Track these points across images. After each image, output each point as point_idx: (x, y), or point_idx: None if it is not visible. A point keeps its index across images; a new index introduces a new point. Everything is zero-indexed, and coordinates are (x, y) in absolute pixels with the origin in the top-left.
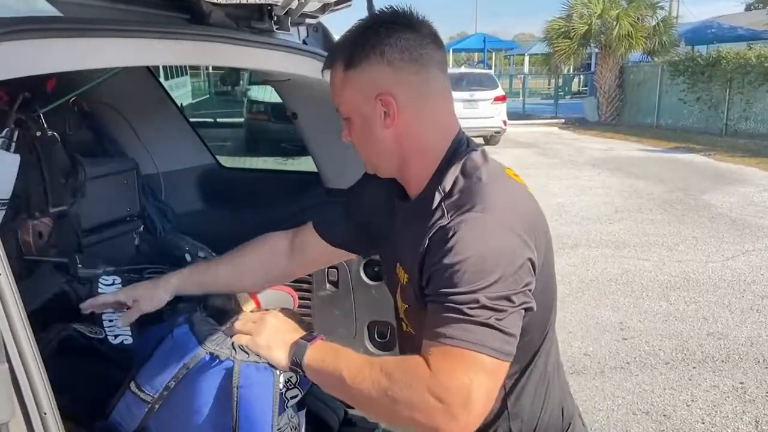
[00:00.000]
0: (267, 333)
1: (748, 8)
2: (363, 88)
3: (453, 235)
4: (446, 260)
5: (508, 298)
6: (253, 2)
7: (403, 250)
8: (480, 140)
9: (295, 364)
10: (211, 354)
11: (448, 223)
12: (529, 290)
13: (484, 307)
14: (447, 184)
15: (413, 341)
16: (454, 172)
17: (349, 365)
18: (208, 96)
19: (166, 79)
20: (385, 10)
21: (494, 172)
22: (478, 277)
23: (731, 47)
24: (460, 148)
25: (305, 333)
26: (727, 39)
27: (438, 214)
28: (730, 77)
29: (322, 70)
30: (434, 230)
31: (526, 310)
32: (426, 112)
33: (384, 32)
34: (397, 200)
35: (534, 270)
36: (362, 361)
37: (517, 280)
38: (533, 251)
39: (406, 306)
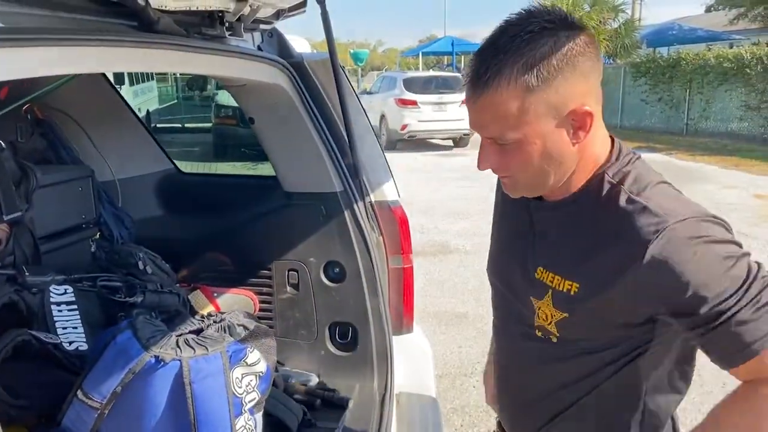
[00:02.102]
0: None
1: (708, 10)
2: (554, 105)
3: (681, 251)
4: (694, 279)
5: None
6: (203, 9)
7: (557, 254)
8: (449, 142)
9: None
10: (156, 357)
11: (663, 241)
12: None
13: (759, 294)
14: (632, 189)
15: (551, 349)
16: (633, 174)
17: None
18: (175, 101)
19: (132, 84)
20: (538, 8)
21: (664, 179)
22: (737, 272)
23: (691, 48)
24: (623, 151)
25: None
26: (687, 40)
27: (636, 230)
28: (690, 78)
29: (472, 95)
30: (646, 249)
31: None
32: (600, 119)
33: (565, 37)
34: (532, 200)
35: None
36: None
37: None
38: None
39: (564, 315)
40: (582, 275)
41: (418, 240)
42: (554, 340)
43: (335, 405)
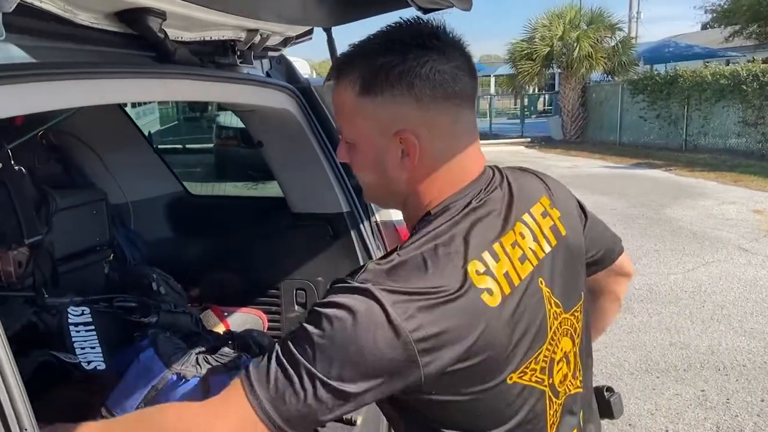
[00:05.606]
0: None
1: (703, 27)
2: (380, 121)
3: (339, 294)
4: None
5: (321, 380)
6: (217, 39)
7: None
8: None
9: None
10: (178, 374)
11: (354, 274)
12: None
13: (288, 367)
14: (409, 238)
15: None
16: (422, 231)
17: None
18: (176, 122)
19: (133, 106)
20: (412, 21)
21: (452, 253)
22: (320, 355)
23: (688, 65)
24: (455, 203)
25: None
26: (684, 57)
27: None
28: (688, 94)
29: (325, 81)
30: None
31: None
32: (447, 155)
33: (414, 58)
34: None
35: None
36: None
37: (344, 376)
38: (411, 373)
39: None
40: None
41: None
42: None
43: (344, 422)
